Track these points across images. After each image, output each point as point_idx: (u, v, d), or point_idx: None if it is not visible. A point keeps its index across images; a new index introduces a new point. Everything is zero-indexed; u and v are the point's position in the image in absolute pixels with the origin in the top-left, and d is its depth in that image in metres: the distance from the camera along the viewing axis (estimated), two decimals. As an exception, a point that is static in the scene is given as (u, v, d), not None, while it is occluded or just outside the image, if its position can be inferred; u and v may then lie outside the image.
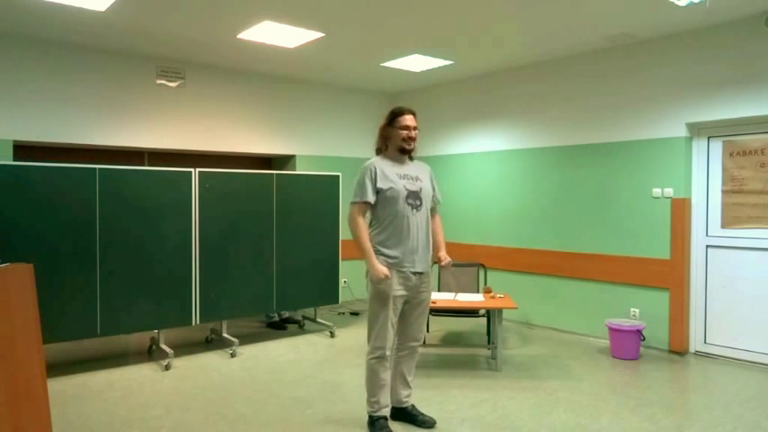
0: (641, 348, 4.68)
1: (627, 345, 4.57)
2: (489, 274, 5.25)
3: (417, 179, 3.09)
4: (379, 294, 2.97)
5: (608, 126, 5.10)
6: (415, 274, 3.03)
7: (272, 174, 5.11)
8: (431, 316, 4.91)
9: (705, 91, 4.49)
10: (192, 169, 4.63)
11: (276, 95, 6.27)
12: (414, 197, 3.03)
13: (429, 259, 3.15)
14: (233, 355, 4.65)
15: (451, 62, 5.58)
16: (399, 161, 3.11)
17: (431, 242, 3.14)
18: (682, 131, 4.65)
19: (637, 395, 3.76)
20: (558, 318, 5.50)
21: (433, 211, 3.23)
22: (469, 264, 5.26)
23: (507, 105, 5.96)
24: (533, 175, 5.71)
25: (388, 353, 3.02)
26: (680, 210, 4.66)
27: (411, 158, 3.17)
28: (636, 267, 4.89)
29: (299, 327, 5.71)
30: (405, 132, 3.04)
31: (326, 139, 6.63)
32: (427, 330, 5.00)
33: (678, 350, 4.67)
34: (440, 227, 3.31)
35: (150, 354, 4.74)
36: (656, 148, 4.79)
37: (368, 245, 2.97)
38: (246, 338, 5.16)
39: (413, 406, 3.25)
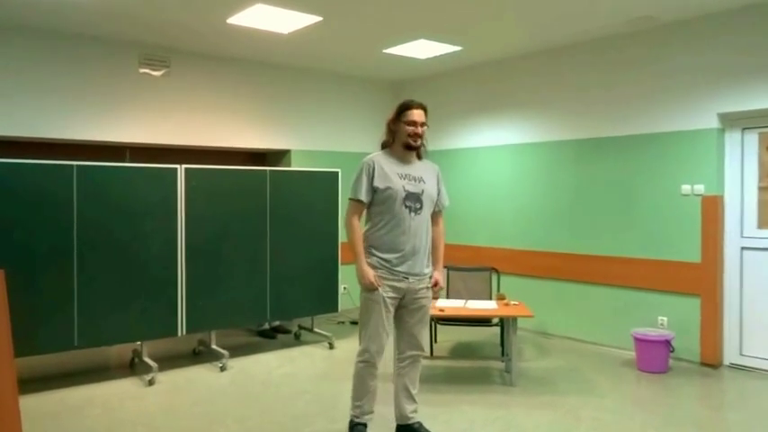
0: (670, 360, 4.65)
1: (654, 356, 4.54)
2: (502, 279, 5.23)
3: (420, 180, 3.11)
4: (370, 295, 3.04)
5: (632, 117, 5.07)
6: (410, 278, 3.07)
7: (266, 170, 5.09)
8: (438, 325, 4.92)
9: (739, 78, 4.45)
10: (178, 166, 4.62)
11: (270, 85, 6.25)
12: (413, 199, 3.05)
13: (428, 264, 3.18)
14: (223, 369, 4.63)
15: (460, 48, 5.56)
16: (404, 159, 3.13)
17: (429, 248, 3.17)
18: (713, 122, 4.61)
19: (665, 412, 3.72)
20: (578, 327, 5.47)
21: (435, 216, 3.24)
22: (481, 268, 5.23)
23: (521, 95, 5.93)
24: (550, 170, 5.68)
25: (377, 358, 3.07)
26: (712, 208, 4.62)
27: (419, 157, 3.20)
28: (664, 271, 4.85)
29: (295, 337, 5.69)
30: (411, 128, 3.07)
31: (324, 132, 6.61)
32: (435, 341, 4.99)
33: (711, 362, 4.64)
34: (441, 237, 3.31)
35: (132, 367, 4.72)
36: (685, 140, 4.75)
37: (360, 247, 3.05)
38: (237, 350, 5.14)
39: (420, 424, 3.22)
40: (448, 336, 5.51)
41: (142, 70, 5.44)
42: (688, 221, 4.73)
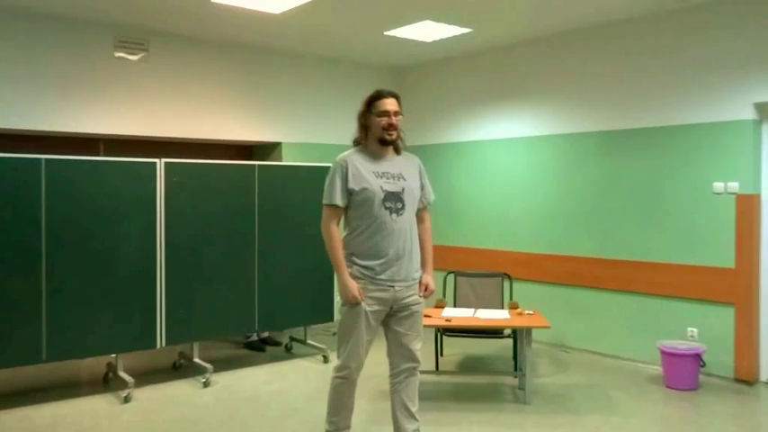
0: (700, 376, 4.65)
1: (683, 372, 4.54)
2: (515, 285, 5.23)
3: (400, 177, 3.12)
4: (350, 308, 3.07)
5: (659, 107, 5.06)
6: (395, 285, 3.09)
7: (254, 165, 5.09)
8: (445, 337, 4.91)
9: (778, 64, 4.45)
10: (158, 160, 4.62)
11: (259, 71, 6.24)
12: (393, 199, 3.06)
13: (417, 268, 3.19)
14: (206, 385, 4.63)
15: (470, 30, 5.55)
16: (380, 155, 3.15)
17: (418, 250, 3.19)
18: (749, 113, 4.60)
19: (696, 433, 3.72)
20: (599, 339, 5.47)
21: (420, 213, 3.27)
22: (491, 274, 5.23)
23: (537, 82, 5.92)
24: (569, 165, 5.68)
25: (356, 374, 3.12)
26: (747, 208, 4.61)
27: (398, 151, 3.20)
28: (694, 278, 4.85)
29: (286, 350, 5.69)
30: (384, 119, 3.06)
31: (318, 123, 6.60)
32: (441, 354, 4.99)
33: (746, 378, 4.63)
34: (428, 235, 3.33)
35: (107, 383, 4.72)
36: (718, 133, 4.74)
37: (340, 258, 3.08)
38: (222, 364, 5.14)
39: None
40: (455, 348, 5.51)
41: (117, 54, 5.43)
42: (721, 222, 4.72)
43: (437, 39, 5.82)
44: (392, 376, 3.21)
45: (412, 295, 3.15)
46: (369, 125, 3.11)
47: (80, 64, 5.25)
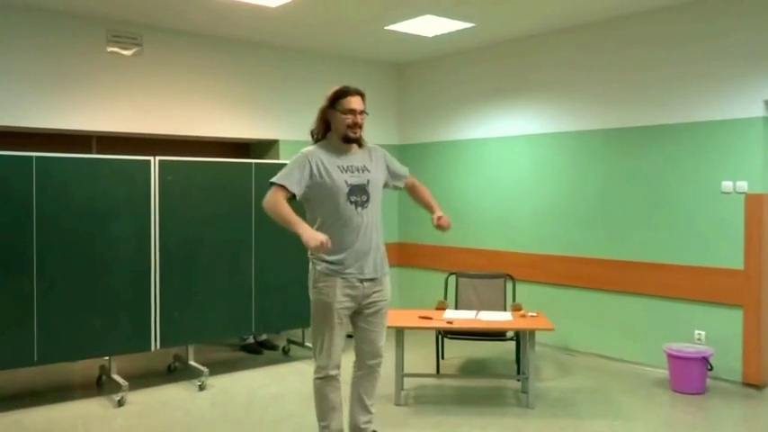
0: (708, 380, 4.64)
1: (690, 375, 4.53)
2: (518, 287, 5.22)
3: (364, 170, 3.20)
4: (320, 306, 3.13)
5: (667, 104, 5.05)
6: (363, 281, 3.15)
7: (251, 163, 5.09)
8: (446, 339, 4.90)
9: (789, 60, 4.44)
10: (152, 158, 4.61)
11: (255, 67, 6.23)
12: (358, 192, 3.13)
13: (384, 263, 3.26)
14: (201, 388, 4.63)
15: (472, 25, 5.53)
16: (342, 150, 3.20)
17: (383, 243, 3.27)
18: (759, 110, 4.59)
19: (704, 439, 3.72)
20: (604, 342, 5.46)
21: (407, 182, 3.47)
22: (494, 275, 5.23)
23: (541, 78, 5.91)
24: (574, 164, 5.66)
25: (334, 372, 3.18)
26: (756, 208, 4.60)
27: (360, 145, 3.27)
28: (701, 279, 4.83)
29: (284, 352, 5.69)
30: (349, 117, 3.12)
31: (317, 120, 6.58)
32: (442, 357, 4.98)
33: (754, 382, 4.62)
34: (424, 188, 3.52)
35: (100, 386, 4.72)
36: (727, 130, 4.73)
37: (290, 214, 2.96)
38: (218, 366, 5.13)
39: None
40: (457, 351, 5.50)
41: (110, 49, 5.41)
42: (729, 223, 4.70)
43: (439, 33, 5.80)
44: (356, 368, 3.32)
45: (380, 290, 3.23)
46: (332, 120, 3.16)
47: (72, 58, 5.23)
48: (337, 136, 3.17)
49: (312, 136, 3.24)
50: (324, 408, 3.21)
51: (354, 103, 3.12)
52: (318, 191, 3.10)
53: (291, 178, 3.06)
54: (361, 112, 3.15)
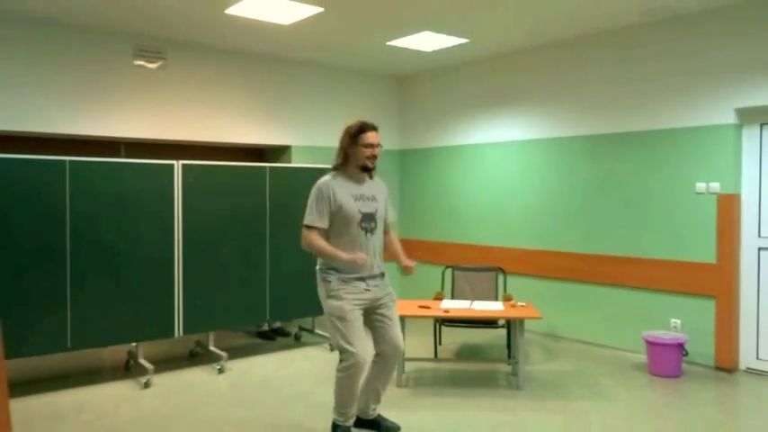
0: (683, 364, 4.65)
1: (667, 360, 4.55)
2: (509, 279, 5.24)
3: (373, 199, 3.33)
4: (338, 308, 3.17)
5: (645, 112, 5.07)
6: (369, 278, 3.24)
7: (265, 167, 5.10)
8: (443, 327, 4.93)
9: (757, 72, 4.44)
10: (175, 162, 4.64)
11: (270, 79, 6.26)
12: (368, 220, 3.27)
13: (382, 264, 3.37)
14: (221, 371, 4.65)
15: (467, 40, 5.56)
16: (357, 179, 3.31)
17: (383, 264, 3.37)
18: (730, 118, 4.60)
19: (678, 418, 3.73)
20: (587, 329, 5.48)
21: (386, 230, 3.47)
22: (487, 268, 5.24)
23: (530, 89, 5.93)
24: (560, 167, 5.68)
25: (364, 359, 3.15)
26: (728, 207, 4.62)
27: (371, 176, 3.37)
28: (677, 272, 4.85)
29: (296, 339, 5.71)
30: (369, 150, 3.25)
31: (326, 127, 6.60)
32: (439, 343, 5.00)
33: (726, 367, 4.64)
34: (396, 239, 3.57)
35: (127, 370, 4.74)
36: (701, 136, 4.74)
37: (329, 249, 3.17)
38: (236, 352, 5.16)
39: (379, 415, 3.46)
40: (453, 338, 5.52)
41: (137, 62, 5.45)
42: (703, 221, 4.72)
43: (436, 48, 5.82)
44: (378, 358, 3.34)
45: (387, 294, 3.35)
46: (352, 154, 3.26)
47: (102, 71, 5.27)
48: (356, 165, 3.28)
49: (334, 169, 3.33)
50: (349, 398, 3.23)
51: (372, 137, 3.24)
52: (335, 218, 3.22)
53: (320, 219, 3.19)
54: (378, 145, 3.28)
